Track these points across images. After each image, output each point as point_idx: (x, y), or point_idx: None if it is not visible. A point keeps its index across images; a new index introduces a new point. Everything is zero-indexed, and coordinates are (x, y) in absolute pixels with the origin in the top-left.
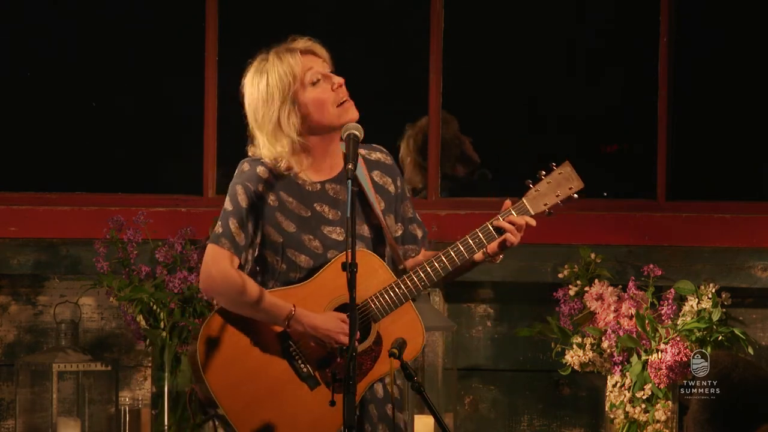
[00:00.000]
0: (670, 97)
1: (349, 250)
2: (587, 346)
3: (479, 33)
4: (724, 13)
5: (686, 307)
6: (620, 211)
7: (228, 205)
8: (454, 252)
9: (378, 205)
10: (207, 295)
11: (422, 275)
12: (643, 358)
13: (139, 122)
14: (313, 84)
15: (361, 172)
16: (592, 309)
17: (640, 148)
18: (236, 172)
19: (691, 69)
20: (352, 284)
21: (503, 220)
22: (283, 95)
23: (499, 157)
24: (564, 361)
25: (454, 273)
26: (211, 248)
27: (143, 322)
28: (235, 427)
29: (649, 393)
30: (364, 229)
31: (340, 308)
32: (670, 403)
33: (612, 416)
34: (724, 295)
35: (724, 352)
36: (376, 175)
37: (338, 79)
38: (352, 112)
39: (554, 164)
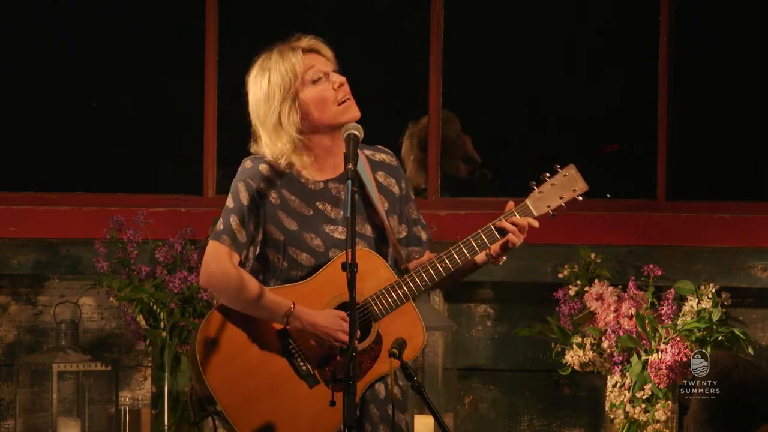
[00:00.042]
0: (670, 97)
1: (349, 250)
2: (587, 346)
3: (479, 33)
4: (724, 13)
5: (686, 307)
6: (620, 211)
7: (230, 202)
8: (456, 253)
9: (381, 205)
10: (207, 291)
11: (424, 275)
12: (643, 358)
13: (139, 122)
14: (315, 82)
15: (365, 172)
16: (592, 309)
17: (640, 148)
18: (239, 169)
19: (691, 69)
20: (352, 284)
21: (506, 221)
22: (283, 93)
23: (499, 157)
24: (564, 361)
25: (457, 274)
26: (211, 245)
27: (143, 322)
28: (234, 424)
29: (649, 393)
30: (367, 229)
31: (341, 307)
32: (670, 403)
33: (612, 416)
34: (724, 295)
35: (724, 352)
36: (380, 176)
37: (339, 78)
38: (353, 111)
39: (559, 166)
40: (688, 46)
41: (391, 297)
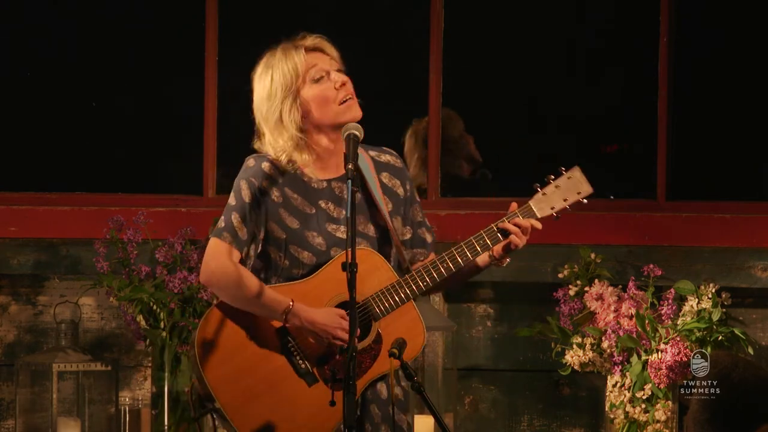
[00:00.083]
0: (670, 97)
1: (349, 250)
2: (587, 346)
3: (479, 33)
4: (724, 13)
5: (686, 307)
6: (620, 211)
7: (232, 200)
8: (458, 253)
9: (385, 206)
10: (207, 291)
11: (425, 276)
12: (643, 358)
13: (139, 122)
14: (317, 81)
15: (369, 172)
16: (592, 309)
17: (640, 148)
18: (242, 167)
19: (691, 69)
20: (351, 284)
21: (508, 222)
22: (285, 91)
23: (499, 157)
24: (564, 361)
25: (459, 276)
26: (212, 242)
27: (143, 322)
28: (232, 421)
29: (649, 393)
30: (370, 229)
31: (341, 305)
32: (670, 403)
33: (612, 416)
34: (724, 295)
35: (724, 352)
36: (385, 177)
37: (340, 78)
38: (354, 111)
39: (563, 168)
40: (688, 46)
41: (392, 297)
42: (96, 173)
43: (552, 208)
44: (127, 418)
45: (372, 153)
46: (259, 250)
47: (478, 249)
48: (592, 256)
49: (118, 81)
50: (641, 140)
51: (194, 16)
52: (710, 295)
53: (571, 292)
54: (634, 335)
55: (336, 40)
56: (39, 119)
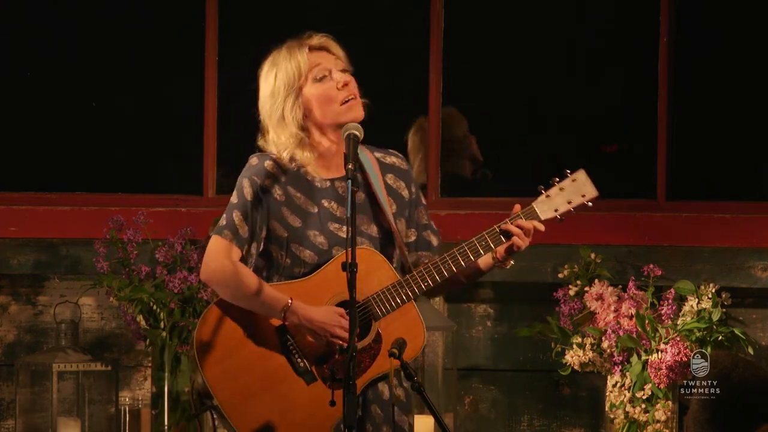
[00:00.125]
0: (670, 97)
1: (349, 249)
2: (587, 346)
3: (479, 33)
4: (724, 13)
5: (686, 307)
6: (620, 211)
7: (234, 198)
8: (459, 254)
9: (389, 207)
10: (207, 291)
11: (426, 276)
12: (643, 358)
13: (139, 122)
14: (319, 80)
15: (374, 173)
16: (592, 309)
17: (640, 148)
18: (245, 166)
19: (691, 69)
20: (351, 284)
21: (511, 223)
22: (287, 89)
23: (500, 157)
24: (564, 361)
25: (462, 278)
26: (213, 239)
27: (143, 322)
28: (229, 419)
29: (649, 393)
30: (373, 229)
31: (341, 305)
32: (670, 403)
33: (612, 416)
34: (724, 295)
35: (724, 352)
36: (390, 178)
37: (343, 77)
38: (356, 112)
39: (568, 171)
40: (688, 46)
41: (392, 297)
42: (96, 173)
43: (555, 211)
44: (127, 418)
45: (378, 154)
46: (261, 249)
47: (480, 250)
48: (592, 256)
49: (118, 81)
50: (641, 140)
51: (194, 16)
52: (710, 295)
53: (571, 292)
54: (634, 335)
55: (336, 40)
56: (39, 119)
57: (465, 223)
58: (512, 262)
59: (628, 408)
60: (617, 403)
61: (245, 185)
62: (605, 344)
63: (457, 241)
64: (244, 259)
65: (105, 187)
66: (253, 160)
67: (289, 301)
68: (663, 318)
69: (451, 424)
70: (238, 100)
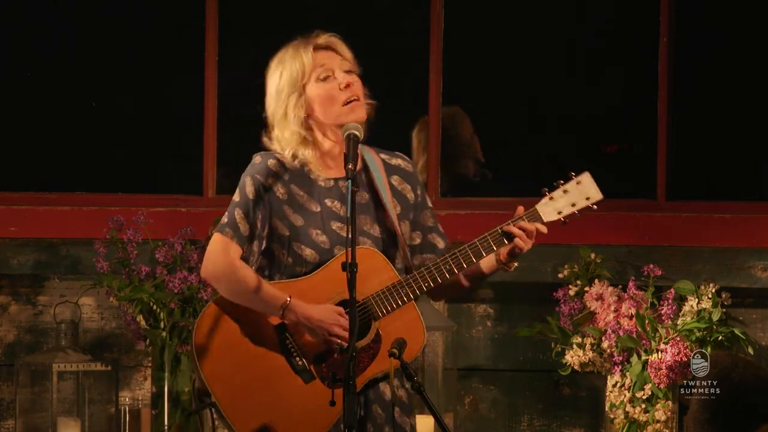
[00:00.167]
0: (670, 97)
1: (349, 249)
2: (587, 346)
3: (479, 33)
4: (724, 13)
5: (686, 307)
6: (620, 211)
7: (236, 196)
8: (461, 255)
9: (393, 209)
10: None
11: (427, 277)
12: (643, 358)
13: (139, 122)
14: (323, 80)
15: (379, 174)
16: (592, 309)
17: (640, 148)
18: (249, 164)
19: (691, 69)
20: (351, 284)
21: (513, 225)
22: (291, 88)
23: (499, 157)
24: (564, 361)
25: (466, 280)
26: (214, 237)
27: (143, 322)
28: (227, 416)
29: (649, 393)
30: (375, 230)
31: (341, 304)
32: (670, 403)
33: (612, 416)
34: (724, 295)
35: (724, 352)
36: (395, 180)
37: (346, 78)
38: (358, 113)
39: (573, 173)
40: (688, 46)
41: (393, 297)
42: (96, 173)
43: (559, 213)
44: (127, 418)
45: (383, 156)
46: (263, 247)
47: (482, 251)
48: (592, 256)
49: (118, 81)
50: (641, 140)
51: (194, 16)
52: (710, 295)
53: (571, 292)
54: (634, 335)
55: (343, 40)
56: (39, 119)
57: (465, 223)
58: (516, 265)
59: (628, 408)
60: (617, 403)
61: (247, 183)
62: (605, 344)
63: (457, 241)
64: (245, 257)
65: (105, 187)
66: (257, 158)
67: (288, 298)
68: (663, 318)
69: (451, 424)
70: (238, 100)
